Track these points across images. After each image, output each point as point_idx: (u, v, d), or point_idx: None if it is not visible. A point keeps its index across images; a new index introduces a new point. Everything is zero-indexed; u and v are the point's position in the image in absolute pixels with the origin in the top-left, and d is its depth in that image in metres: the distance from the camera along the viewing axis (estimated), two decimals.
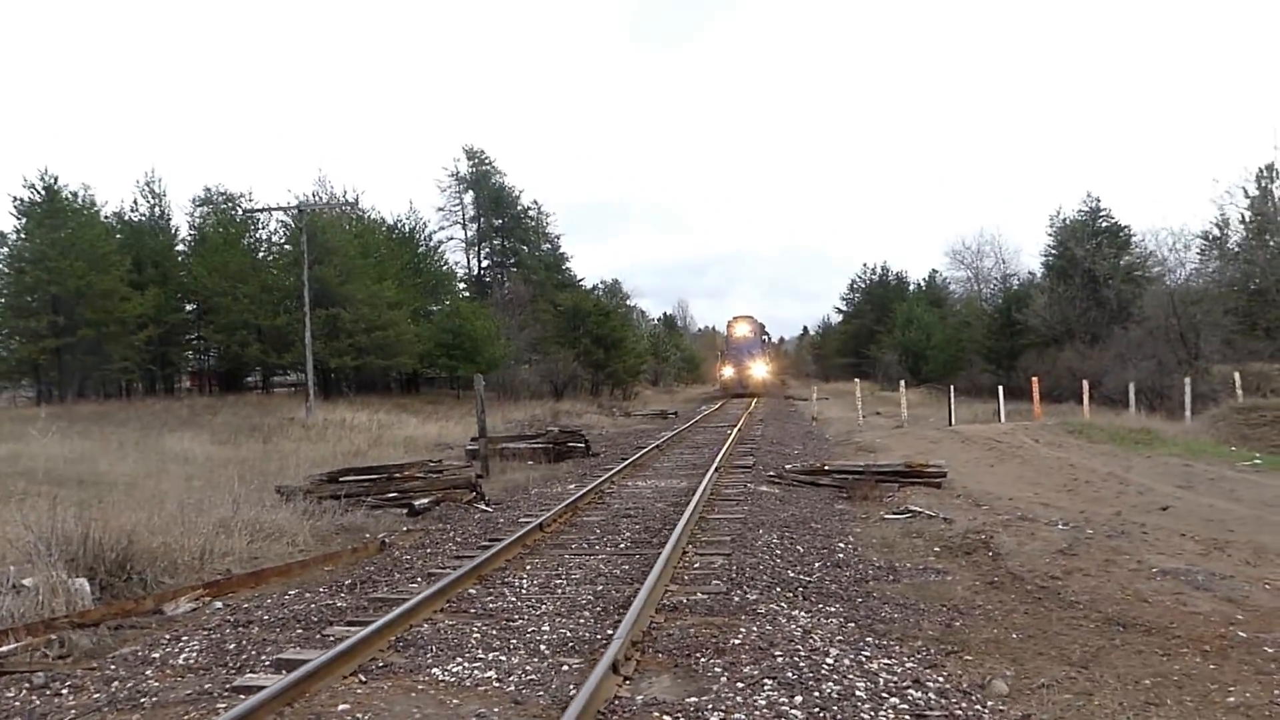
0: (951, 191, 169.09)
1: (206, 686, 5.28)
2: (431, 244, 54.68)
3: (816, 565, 8.27)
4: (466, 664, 5.38)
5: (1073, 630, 6.24)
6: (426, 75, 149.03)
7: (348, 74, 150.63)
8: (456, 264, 61.92)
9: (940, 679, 5.17)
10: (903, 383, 27.27)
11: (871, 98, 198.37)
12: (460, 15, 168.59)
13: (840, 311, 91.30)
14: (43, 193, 35.25)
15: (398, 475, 13.05)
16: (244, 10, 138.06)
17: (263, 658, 5.79)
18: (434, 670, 5.30)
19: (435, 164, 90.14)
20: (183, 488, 13.81)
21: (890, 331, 68.15)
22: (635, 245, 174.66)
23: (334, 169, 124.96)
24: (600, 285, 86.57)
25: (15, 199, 35.44)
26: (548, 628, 6.12)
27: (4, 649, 6.12)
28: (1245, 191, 33.61)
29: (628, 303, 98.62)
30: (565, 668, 5.30)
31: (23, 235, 35.25)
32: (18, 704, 5.10)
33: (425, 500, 12.44)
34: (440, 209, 63.38)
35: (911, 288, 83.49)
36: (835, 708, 4.54)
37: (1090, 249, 44.89)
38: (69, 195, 37.25)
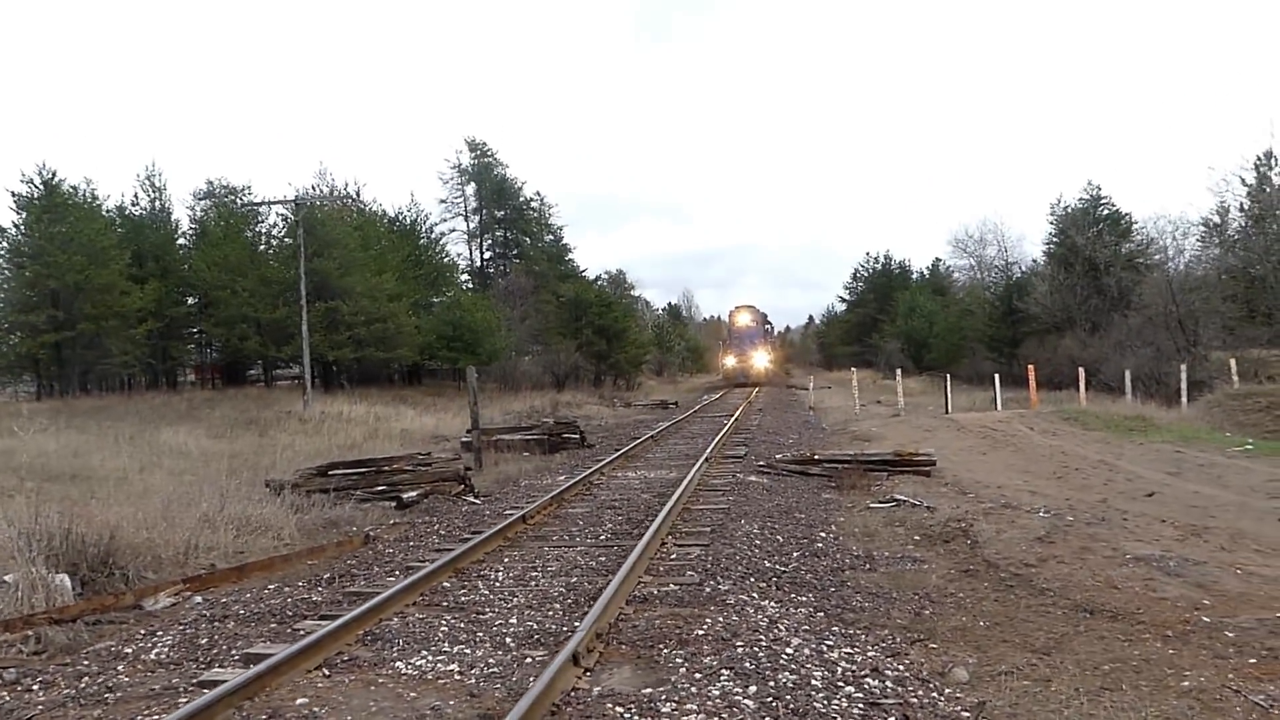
0: (956, 181, 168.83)
1: (174, 681, 5.32)
2: (433, 236, 54.76)
3: (795, 555, 8.30)
4: (431, 657, 5.42)
5: (1040, 617, 6.26)
6: (432, 69, 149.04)
7: (353, 67, 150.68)
8: (459, 256, 62.01)
9: (900, 667, 5.20)
10: (899, 371, 27.30)
11: (876, 89, 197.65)
12: (467, 8, 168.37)
13: (844, 301, 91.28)
14: (41, 187, 35.35)
15: (386, 468, 13.09)
16: (249, 3, 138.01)
17: (233, 652, 5.83)
18: (398, 664, 5.34)
19: (439, 156, 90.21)
20: (173, 482, 13.88)
21: (893, 320, 68.18)
22: (642, 237, 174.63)
23: (337, 161, 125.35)
24: (605, 276, 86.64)
25: (14, 194, 35.59)
26: (515, 620, 6.16)
27: None
28: (1242, 180, 33.49)
29: (632, 293, 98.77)
30: (528, 660, 5.33)
31: (22, 230, 35.36)
32: None
33: (414, 493, 12.49)
34: (443, 201, 63.50)
35: (915, 277, 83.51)
36: (788, 697, 4.57)
37: (1091, 237, 44.76)
38: (69, 189, 37.36)
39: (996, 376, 27.34)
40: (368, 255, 39.36)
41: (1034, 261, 53.99)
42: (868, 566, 7.90)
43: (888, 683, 4.89)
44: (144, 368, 39.25)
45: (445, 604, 6.71)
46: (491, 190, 63.05)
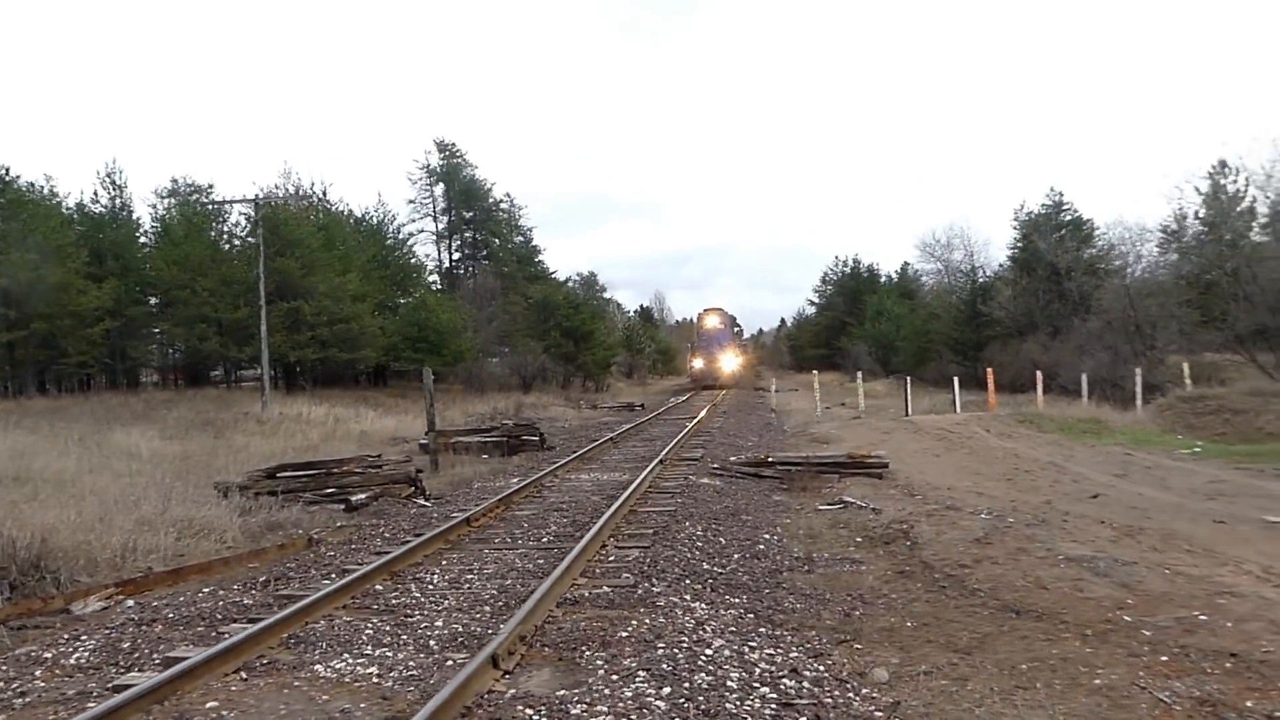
0: (926, 184, 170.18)
1: (89, 686, 5.25)
2: (400, 236, 54.42)
3: (735, 557, 8.32)
4: (351, 660, 5.38)
5: (967, 618, 6.32)
6: (403, 69, 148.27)
7: (323, 65, 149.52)
8: (427, 257, 61.66)
9: (821, 668, 5.22)
10: (859, 375, 27.54)
11: (849, 94, 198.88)
12: (438, 7, 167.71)
13: (813, 304, 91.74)
14: None
15: (336, 470, 13.00)
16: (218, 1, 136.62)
17: (154, 656, 5.75)
18: (317, 667, 5.29)
19: (409, 157, 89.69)
20: (120, 484, 13.68)
21: (862, 323, 68.62)
22: (616, 238, 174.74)
23: (305, 161, 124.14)
24: (577, 277, 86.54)
25: None
26: (442, 623, 6.12)
27: None
28: (1197, 189, 34.06)
29: (603, 295, 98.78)
30: (449, 663, 5.30)
31: None
32: None
33: (363, 495, 12.41)
34: (411, 201, 63.12)
35: (884, 280, 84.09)
36: (701, 698, 4.57)
37: (1053, 242, 45.28)
38: (25, 185, 36.75)
39: (955, 380, 27.56)
40: (332, 255, 39.02)
41: (1000, 266, 54.53)
42: (806, 568, 7.94)
43: (805, 684, 4.91)
44: (102, 368, 38.68)
45: (375, 607, 6.66)
46: (460, 191, 62.78)
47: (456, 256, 65.87)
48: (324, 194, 49.19)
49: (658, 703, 4.51)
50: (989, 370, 27.05)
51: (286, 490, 12.49)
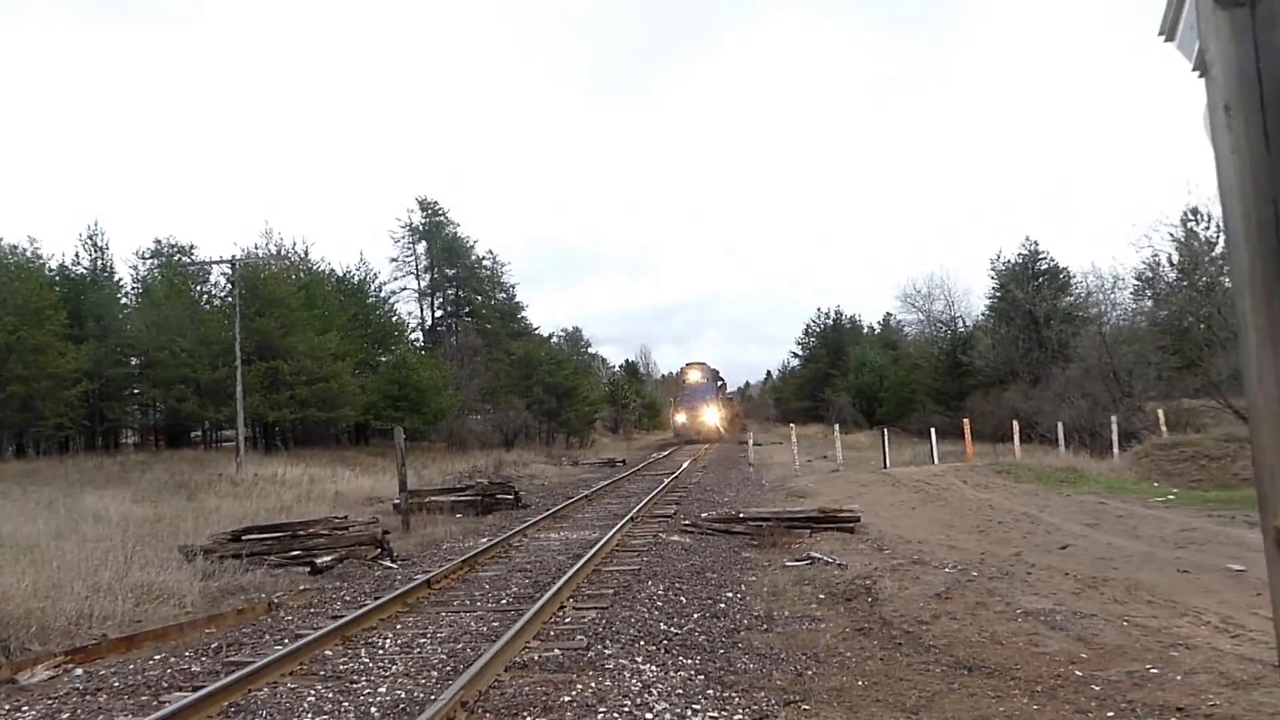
0: (907, 234, 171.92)
1: None
2: (382, 295, 54.55)
3: (695, 616, 8.24)
4: None
5: (919, 675, 6.26)
6: (385, 126, 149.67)
7: (306, 123, 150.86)
8: (410, 314, 61.76)
9: None
10: (837, 427, 27.45)
11: (833, 145, 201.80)
12: (420, 66, 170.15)
13: (796, 356, 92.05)
14: None
15: (302, 533, 12.87)
16: (199, 62, 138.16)
17: None
18: None
19: (391, 215, 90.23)
20: (85, 549, 13.49)
21: (845, 375, 68.84)
22: (601, 292, 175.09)
23: (287, 220, 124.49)
24: (561, 333, 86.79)
25: None
26: (385, 689, 6.03)
27: None
28: (1171, 234, 34.57)
29: (588, 351, 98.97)
30: None
31: None
32: None
33: (328, 558, 12.27)
34: (394, 259, 63.33)
35: (866, 331, 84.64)
36: None
37: (1030, 291, 45.75)
38: (7, 248, 36.78)
39: (933, 431, 27.64)
40: (312, 314, 39.05)
41: (980, 315, 55.00)
42: (765, 627, 7.87)
43: None
44: (80, 430, 38.37)
45: (322, 673, 6.56)
46: (442, 249, 63.10)
47: (439, 314, 66.01)
48: (305, 253, 49.43)
49: None
50: (966, 421, 27.07)
51: (252, 553, 12.36)
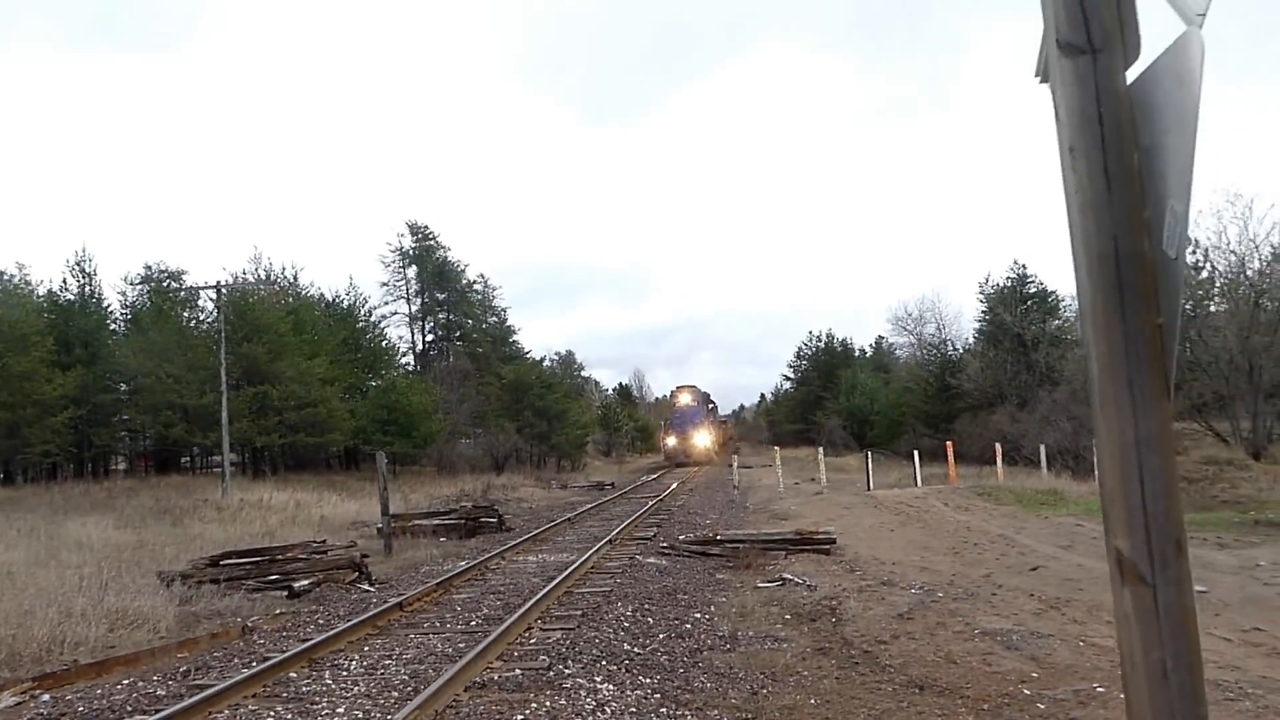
0: (900, 256, 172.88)
1: None
2: (371, 319, 54.69)
3: (660, 637, 8.33)
4: None
5: (871, 694, 6.36)
6: (376, 154, 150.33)
7: (297, 151, 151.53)
8: (400, 339, 61.94)
9: None
10: (820, 450, 27.58)
11: (825, 168, 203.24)
12: (412, 91, 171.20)
13: (788, 379, 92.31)
14: None
15: (280, 557, 12.95)
16: (191, 86, 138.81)
17: None
18: None
19: (382, 240, 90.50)
20: (63, 576, 13.53)
21: (836, 398, 69.04)
22: (595, 316, 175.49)
23: (277, 245, 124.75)
24: (555, 357, 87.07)
25: None
26: (344, 710, 6.12)
27: None
28: None
29: (581, 374, 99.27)
30: None
31: None
32: None
33: (306, 582, 12.33)
34: (384, 284, 63.57)
35: (858, 354, 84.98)
36: None
37: (1018, 314, 46.05)
38: None
39: (916, 453, 27.77)
40: (300, 339, 39.15)
41: (970, 338, 55.32)
42: (727, 647, 7.96)
43: None
44: (68, 456, 38.34)
45: (284, 695, 6.64)
46: (433, 273, 63.36)
47: (430, 338, 66.20)
48: (295, 278, 49.57)
49: None
50: (949, 444, 27.23)
51: (230, 578, 12.42)
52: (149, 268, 46.57)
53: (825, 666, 7.17)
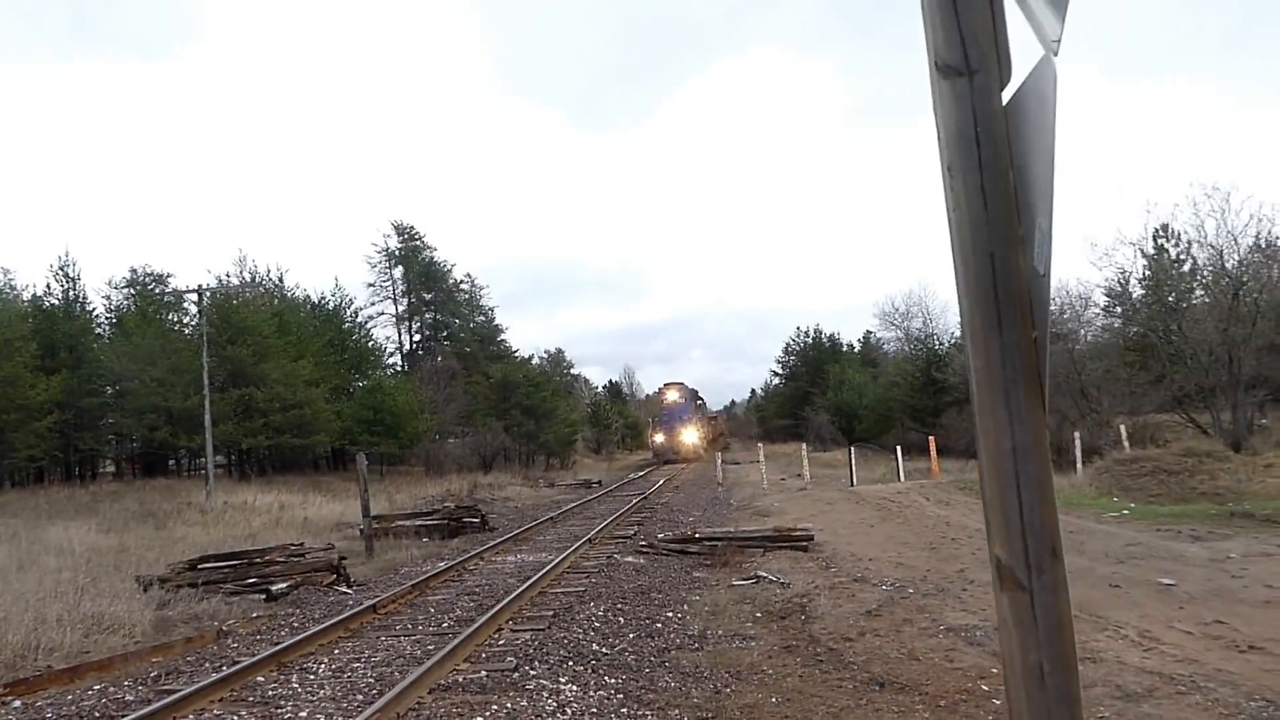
0: (887, 254, 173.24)
1: None
2: (357, 320, 54.61)
3: (630, 637, 8.39)
4: None
5: (832, 691, 6.44)
6: (362, 154, 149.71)
7: (283, 152, 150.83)
8: (388, 339, 61.88)
9: None
10: (804, 446, 27.72)
11: (815, 166, 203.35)
12: (398, 90, 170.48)
13: (777, 375, 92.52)
14: None
15: (258, 560, 12.97)
16: (177, 90, 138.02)
17: None
18: None
19: (368, 241, 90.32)
20: (43, 581, 13.53)
21: (825, 393, 69.22)
22: (585, 314, 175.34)
23: (263, 247, 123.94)
24: (544, 355, 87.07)
25: None
26: (307, 713, 6.16)
27: None
28: (1141, 250, 35.04)
29: (571, 372, 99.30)
30: None
31: None
32: None
33: (283, 585, 12.36)
34: (371, 284, 63.50)
35: (846, 349, 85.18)
36: None
37: None
38: None
39: (899, 448, 27.90)
40: (285, 341, 39.08)
41: (956, 332, 55.44)
42: (696, 646, 8.02)
43: None
44: (54, 461, 38.21)
45: (250, 699, 6.68)
46: (419, 274, 63.31)
47: (417, 338, 66.14)
48: (280, 280, 49.48)
49: None
50: (930, 439, 27.38)
51: (208, 582, 12.44)
52: (134, 271, 46.49)
53: (790, 664, 7.24)
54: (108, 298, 45.76)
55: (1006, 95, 2.03)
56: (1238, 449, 24.48)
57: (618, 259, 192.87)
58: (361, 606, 9.80)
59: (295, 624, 10.09)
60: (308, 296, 50.71)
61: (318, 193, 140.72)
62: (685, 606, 9.94)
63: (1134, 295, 37.15)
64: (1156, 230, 39.13)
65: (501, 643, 8.04)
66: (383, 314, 63.22)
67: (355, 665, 7.58)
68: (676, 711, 6.08)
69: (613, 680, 6.82)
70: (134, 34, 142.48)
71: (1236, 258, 29.64)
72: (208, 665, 8.16)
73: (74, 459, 40.00)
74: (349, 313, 52.74)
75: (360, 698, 6.53)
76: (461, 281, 66.67)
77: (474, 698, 6.33)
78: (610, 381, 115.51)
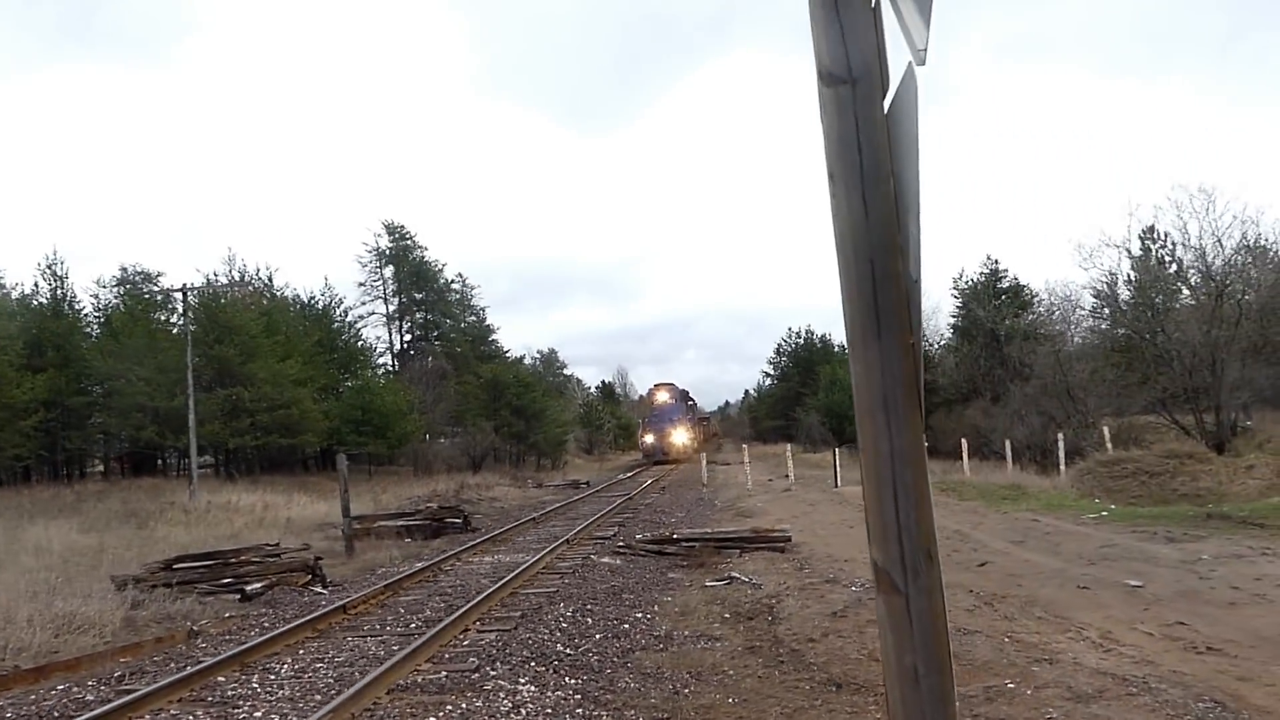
0: None
1: None
2: (347, 319, 54.48)
3: (596, 637, 8.40)
4: None
5: (789, 693, 6.46)
6: (353, 153, 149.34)
7: (274, 151, 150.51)
8: (378, 339, 61.75)
9: None
10: (789, 447, 27.79)
11: (808, 166, 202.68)
12: (390, 90, 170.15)
13: (768, 376, 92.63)
14: None
15: (234, 560, 12.96)
16: (167, 90, 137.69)
17: None
18: None
19: (358, 241, 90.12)
20: (18, 580, 13.49)
21: (816, 394, 69.28)
22: (578, 314, 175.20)
23: (253, 247, 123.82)
24: (537, 356, 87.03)
25: None
26: (262, 714, 6.17)
27: None
28: (1129, 251, 35.18)
29: (564, 373, 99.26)
30: None
31: None
32: None
33: (258, 585, 12.35)
34: (361, 284, 63.34)
35: (838, 350, 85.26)
36: None
37: (991, 309, 46.37)
38: None
39: None
40: (273, 341, 38.99)
41: (945, 333, 55.61)
42: (660, 647, 8.04)
43: None
44: (40, 460, 38.08)
45: (209, 699, 6.68)
46: (410, 273, 63.20)
47: (408, 338, 66.03)
48: (269, 279, 49.35)
49: None
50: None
51: (183, 581, 12.41)
52: (124, 270, 46.34)
53: (751, 665, 7.27)
54: (96, 296, 45.62)
55: (887, 104, 2.06)
56: (1221, 451, 24.60)
57: (612, 259, 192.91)
58: (331, 607, 9.81)
59: (266, 624, 10.09)
60: (297, 296, 50.64)
61: (309, 192, 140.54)
62: (655, 608, 9.95)
63: (1120, 297, 37.34)
64: (1142, 232, 39.34)
65: (466, 643, 8.06)
66: (373, 314, 63.16)
67: (318, 665, 7.58)
68: (633, 712, 6.10)
69: (573, 681, 6.84)
70: (124, 34, 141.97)
71: (1221, 259, 29.81)
72: (173, 665, 8.15)
73: (61, 458, 39.87)
74: (339, 312, 52.67)
75: (319, 698, 6.54)
76: (453, 281, 66.65)
77: (430, 698, 6.34)
78: (603, 382, 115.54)
